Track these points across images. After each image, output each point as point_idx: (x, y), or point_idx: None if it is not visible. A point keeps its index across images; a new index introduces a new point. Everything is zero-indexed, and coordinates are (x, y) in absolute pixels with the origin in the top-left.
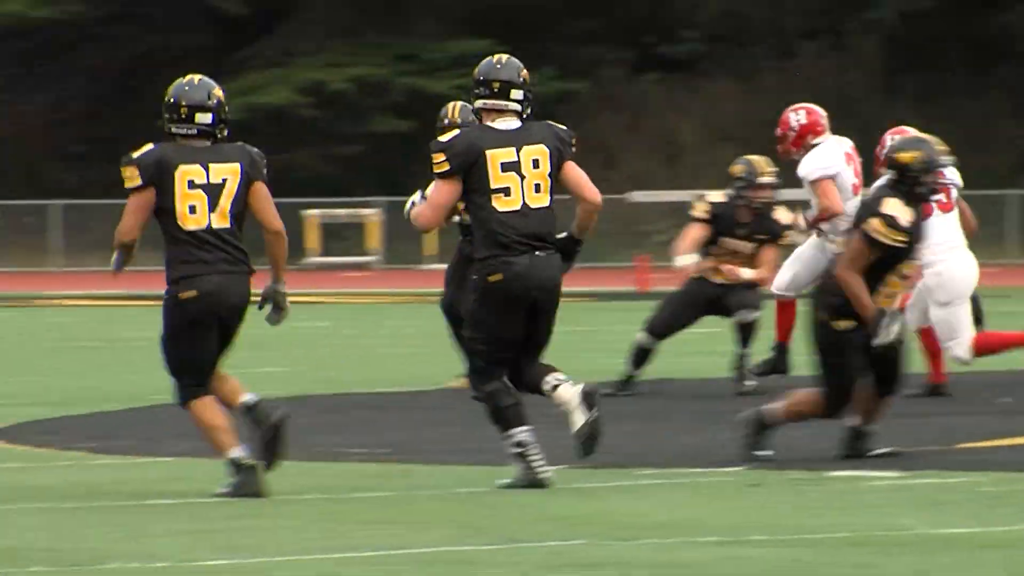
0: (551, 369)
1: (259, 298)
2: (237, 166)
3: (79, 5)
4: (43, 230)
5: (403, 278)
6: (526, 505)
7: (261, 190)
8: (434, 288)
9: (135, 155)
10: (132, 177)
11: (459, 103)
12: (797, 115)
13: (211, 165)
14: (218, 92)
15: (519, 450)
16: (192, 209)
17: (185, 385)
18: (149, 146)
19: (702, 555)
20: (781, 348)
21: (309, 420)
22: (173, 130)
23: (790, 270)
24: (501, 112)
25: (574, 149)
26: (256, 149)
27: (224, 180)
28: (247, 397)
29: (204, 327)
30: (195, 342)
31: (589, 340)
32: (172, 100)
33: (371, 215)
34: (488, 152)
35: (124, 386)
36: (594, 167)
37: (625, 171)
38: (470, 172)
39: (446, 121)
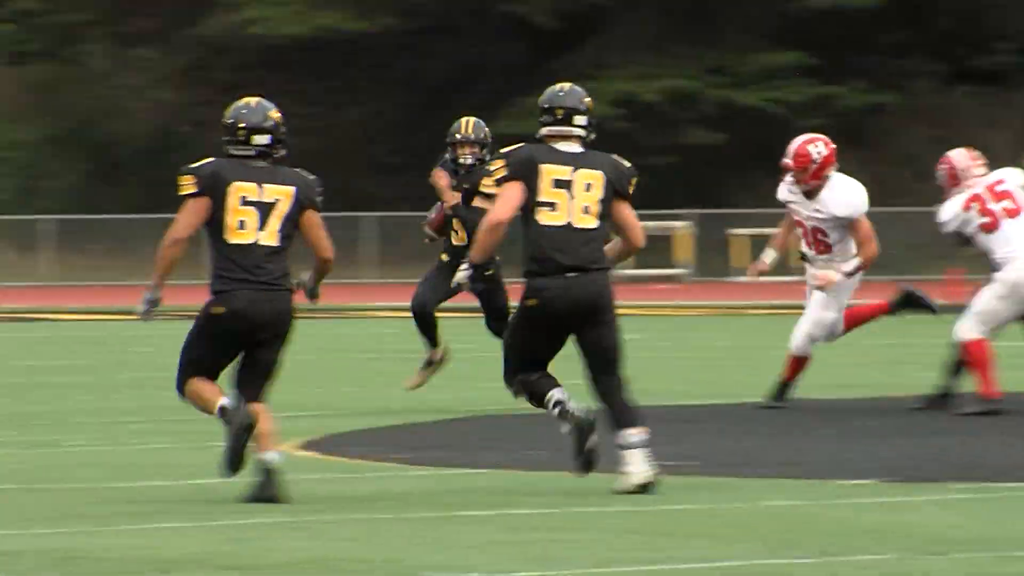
0: (635, 421)
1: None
2: (292, 190)
3: (393, 19)
4: (355, 241)
5: (712, 290)
6: (837, 519)
7: (313, 217)
8: (743, 301)
9: (193, 166)
10: (187, 185)
11: (472, 119)
12: (816, 147)
13: (265, 185)
14: (275, 115)
15: (558, 408)
16: (241, 224)
17: (182, 376)
18: (208, 159)
19: (1015, 570)
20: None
21: None
22: (231, 151)
23: (803, 329)
24: (565, 138)
25: (631, 189)
26: (313, 176)
27: (276, 200)
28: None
29: (226, 341)
30: (212, 351)
31: (907, 353)
32: (230, 122)
33: (681, 227)
34: (542, 166)
35: (436, 398)
36: (903, 179)
37: (935, 184)
38: (528, 184)
39: (458, 136)
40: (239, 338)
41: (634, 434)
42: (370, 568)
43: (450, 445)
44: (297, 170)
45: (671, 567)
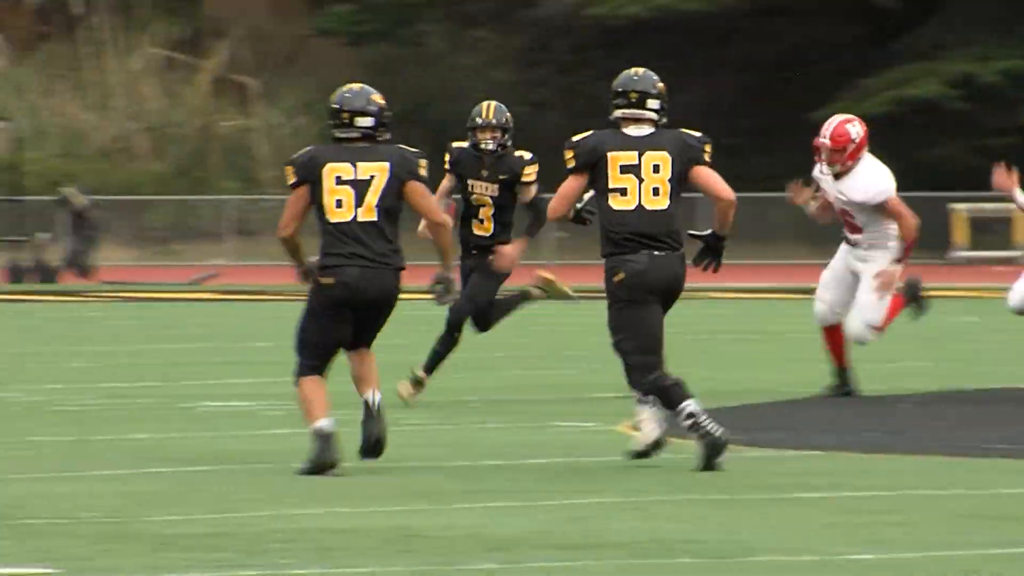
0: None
1: (431, 281)
2: (386, 164)
3: None
4: (692, 221)
5: None
6: None
7: (415, 187)
8: None
9: (295, 156)
10: (289, 176)
11: (493, 103)
12: (855, 127)
13: (359, 163)
14: (377, 98)
15: (691, 420)
16: (339, 203)
17: (301, 364)
18: (306, 148)
19: None
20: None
21: (956, 415)
22: (336, 134)
23: (828, 295)
24: (637, 120)
25: (707, 155)
26: (414, 150)
27: (372, 177)
28: (368, 395)
29: (338, 315)
30: (325, 327)
31: None
32: (336, 106)
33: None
34: (610, 154)
35: (768, 378)
36: None
37: None
38: (594, 171)
39: (479, 121)
40: (348, 313)
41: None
42: (704, 549)
43: (783, 426)
44: (396, 145)
45: (1011, 551)
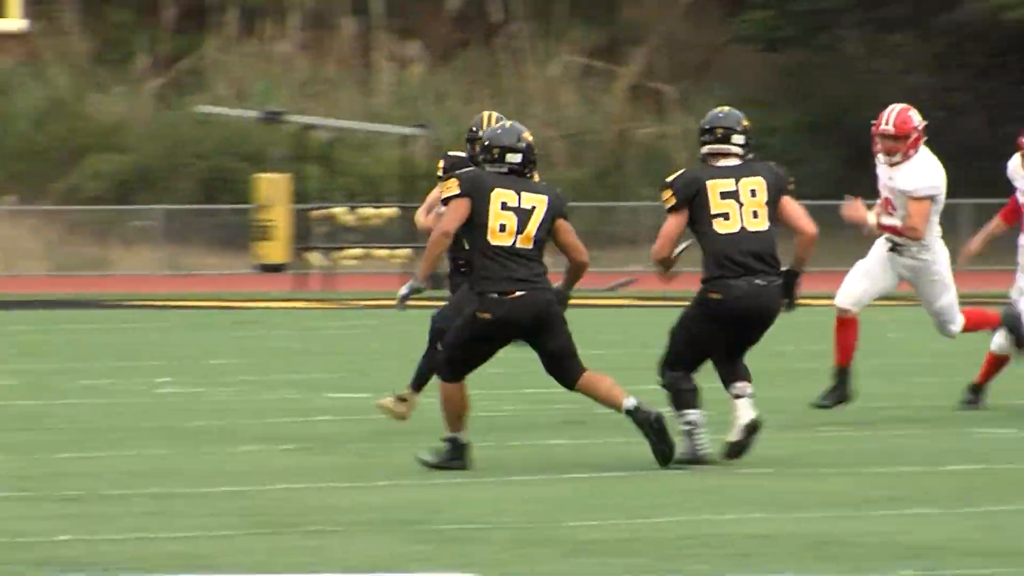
0: (744, 378)
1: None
2: (545, 199)
3: None
4: None
5: None
6: None
7: (564, 225)
8: None
9: (456, 172)
10: (452, 187)
11: (495, 114)
12: (916, 115)
13: (523, 193)
14: (527, 136)
15: (688, 428)
16: (502, 227)
17: (449, 368)
18: (470, 168)
19: None
20: (842, 373)
21: None
22: (487, 168)
23: (860, 285)
24: (724, 155)
25: (791, 188)
26: (560, 190)
27: (533, 208)
28: (630, 402)
29: (492, 339)
30: (475, 345)
31: None
32: (486, 142)
33: None
34: (708, 183)
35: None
36: None
37: None
38: (694, 202)
39: (481, 133)
40: (496, 340)
41: (742, 386)
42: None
43: None
44: (547, 183)
45: None
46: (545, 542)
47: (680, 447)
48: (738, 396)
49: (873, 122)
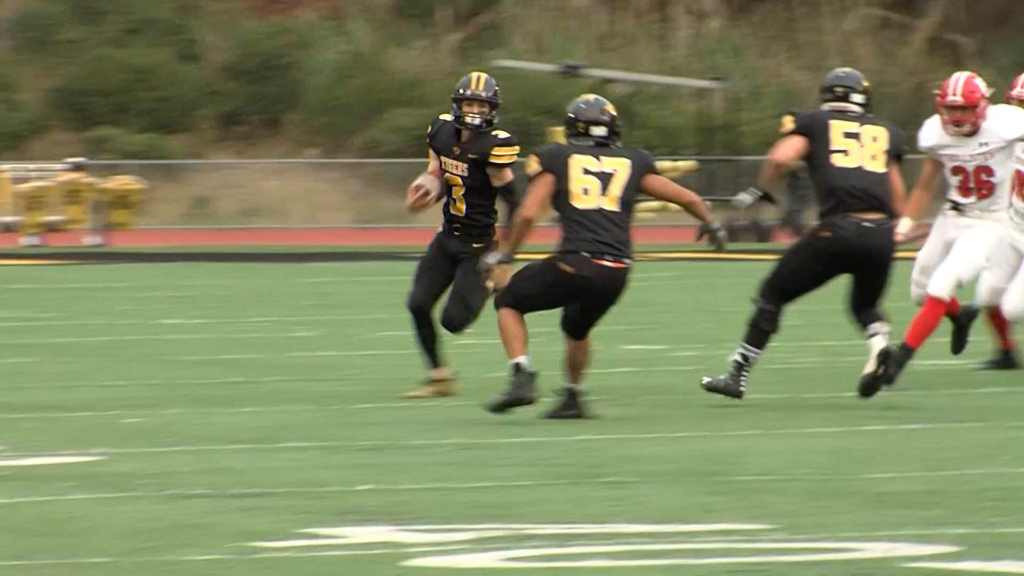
0: (878, 318)
1: (699, 231)
2: (627, 161)
3: None
4: None
5: None
6: None
7: (656, 179)
8: None
9: (537, 149)
10: (534, 166)
11: (484, 75)
12: (980, 81)
13: (603, 157)
14: (610, 108)
15: (739, 361)
16: (585, 191)
17: (512, 296)
18: (550, 144)
19: None
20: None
21: None
22: (572, 142)
23: (994, 280)
24: (843, 112)
25: (907, 150)
26: (648, 152)
27: (615, 171)
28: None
29: (562, 295)
30: (547, 295)
31: None
32: (572, 116)
33: None
34: (831, 123)
35: None
36: None
37: None
38: (814, 137)
39: (467, 92)
40: (578, 295)
41: (877, 326)
42: None
43: None
44: (633, 147)
45: None
46: (841, 494)
47: (721, 376)
48: (872, 335)
49: (936, 92)
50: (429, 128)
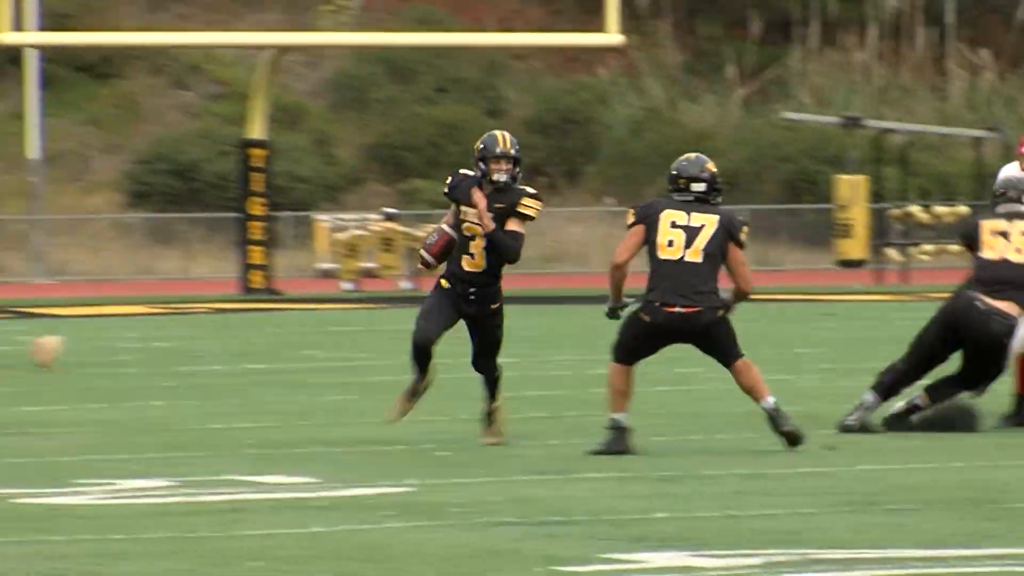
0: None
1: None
2: (716, 218)
3: None
4: None
5: None
6: None
7: (736, 252)
8: None
9: (636, 204)
10: (629, 217)
11: (508, 134)
12: None
13: (693, 213)
14: (710, 166)
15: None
16: (670, 243)
17: (617, 352)
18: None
19: None
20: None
21: None
22: (675, 197)
23: None
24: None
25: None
26: (738, 219)
27: (702, 226)
28: (768, 402)
29: (650, 338)
30: (637, 340)
31: None
32: (673, 172)
33: None
34: (983, 222)
35: None
36: None
37: None
38: (973, 236)
39: (497, 151)
40: (657, 340)
41: None
42: None
43: None
44: (726, 207)
45: None
46: None
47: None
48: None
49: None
50: (448, 180)
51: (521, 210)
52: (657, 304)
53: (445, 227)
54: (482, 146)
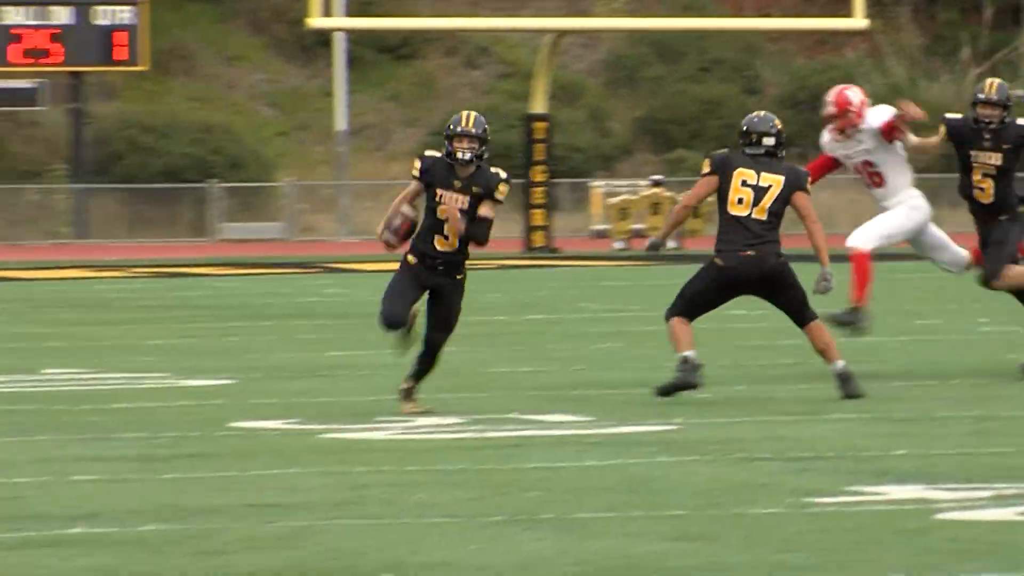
0: None
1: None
2: (782, 178)
3: None
4: None
5: None
6: None
7: (801, 198)
8: None
9: (712, 153)
10: (706, 165)
11: (473, 113)
12: (853, 92)
13: (763, 173)
14: (778, 123)
15: None
16: (740, 200)
17: (675, 306)
18: (723, 150)
19: None
20: None
21: None
22: (746, 151)
23: None
24: None
25: None
26: (804, 170)
27: (770, 186)
28: (838, 365)
29: (719, 287)
30: (707, 290)
31: None
32: (744, 128)
33: None
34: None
35: None
36: None
37: None
38: None
39: (458, 129)
40: (727, 289)
41: None
42: None
43: None
44: (791, 164)
45: None
46: None
47: None
48: None
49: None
50: (417, 164)
51: (498, 196)
52: (730, 250)
53: (405, 209)
54: (450, 125)
